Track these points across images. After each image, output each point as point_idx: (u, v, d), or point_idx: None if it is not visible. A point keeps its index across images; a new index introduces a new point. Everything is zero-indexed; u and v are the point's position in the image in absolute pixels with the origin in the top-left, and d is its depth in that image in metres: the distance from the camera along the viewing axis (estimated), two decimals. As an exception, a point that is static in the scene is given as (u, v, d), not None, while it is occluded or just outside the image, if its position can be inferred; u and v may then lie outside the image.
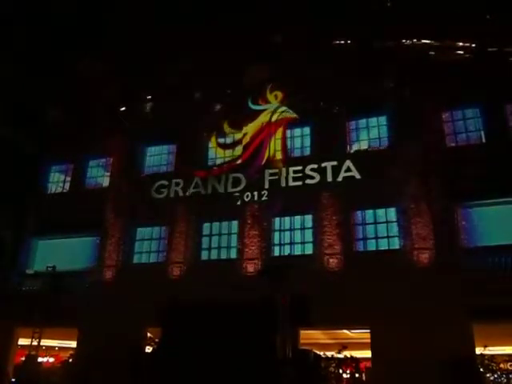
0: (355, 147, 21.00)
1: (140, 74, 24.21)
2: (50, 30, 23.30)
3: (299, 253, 19.92)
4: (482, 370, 16.63)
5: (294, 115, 22.06)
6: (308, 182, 20.57)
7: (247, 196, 21.20)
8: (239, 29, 22.59)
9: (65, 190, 25.51)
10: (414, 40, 21.01)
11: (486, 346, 16.84)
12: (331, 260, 19.08)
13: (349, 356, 18.46)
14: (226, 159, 22.82)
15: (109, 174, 24.70)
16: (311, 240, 19.93)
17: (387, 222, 19.24)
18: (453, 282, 16.36)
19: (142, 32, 23.17)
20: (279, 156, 21.82)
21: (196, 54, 23.10)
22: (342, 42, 22.10)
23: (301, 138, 22.05)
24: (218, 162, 22.93)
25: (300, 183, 20.65)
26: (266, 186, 21.16)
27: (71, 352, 21.98)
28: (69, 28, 23.31)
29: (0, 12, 21.77)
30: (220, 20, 22.09)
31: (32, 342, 19.78)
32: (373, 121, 21.15)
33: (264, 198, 20.90)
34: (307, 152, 21.62)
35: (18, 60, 24.00)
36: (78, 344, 21.25)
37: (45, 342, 21.06)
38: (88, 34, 23.60)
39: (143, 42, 23.40)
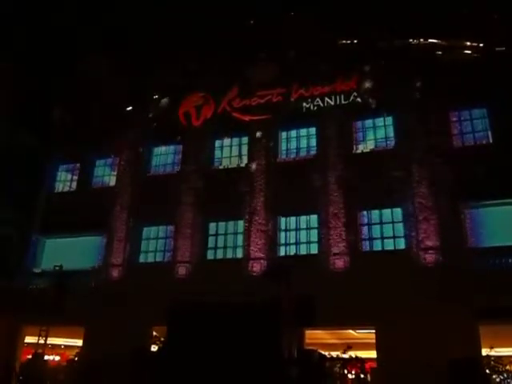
0: (361, 147, 20.97)
1: (146, 74, 24.34)
2: (55, 30, 23.45)
3: (305, 253, 19.93)
4: (488, 371, 16.54)
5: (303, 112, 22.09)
6: (314, 181, 20.57)
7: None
8: (243, 27, 22.70)
9: (72, 189, 25.71)
10: (422, 40, 20.94)
11: (492, 347, 16.76)
12: (337, 260, 19.06)
13: (354, 356, 18.42)
14: (232, 159, 22.89)
15: (115, 173, 24.82)
16: (317, 240, 19.93)
17: (393, 222, 19.20)
18: (459, 282, 16.26)
19: (149, 31, 23.28)
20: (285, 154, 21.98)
21: (201, 52, 23.21)
22: (348, 41, 22.08)
23: (307, 138, 22.06)
24: (224, 161, 22.99)
25: (306, 182, 20.65)
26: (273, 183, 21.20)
27: (77, 350, 22.10)
28: (75, 27, 23.46)
29: (5, 12, 21.93)
30: (219, 20, 22.19)
31: (39, 340, 19.86)
32: (379, 121, 21.10)
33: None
34: (313, 151, 21.63)
35: (24, 60, 24.16)
36: (84, 342, 21.38)
37: (51, 341, 21.14)
38: (94, 33, 23.74)
39: (149, 42, 23.52)
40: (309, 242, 20.11)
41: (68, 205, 24.24)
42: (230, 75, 23.62)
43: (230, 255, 21.09)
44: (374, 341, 17.53)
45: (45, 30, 23.24)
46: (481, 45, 20.11)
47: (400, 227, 18.97)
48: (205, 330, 11.88)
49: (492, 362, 16.92)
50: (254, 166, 21.87)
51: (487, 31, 19.56)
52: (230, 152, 23.11)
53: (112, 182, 24.81)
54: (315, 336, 18.32)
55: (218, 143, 23.48)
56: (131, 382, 14.47)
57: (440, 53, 20.56)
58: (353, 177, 19.95)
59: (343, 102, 21.44)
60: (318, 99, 21.80)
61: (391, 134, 20.67)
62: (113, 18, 23.34)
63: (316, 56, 21.83)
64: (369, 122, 21.25)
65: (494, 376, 16.85)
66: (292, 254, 19.92)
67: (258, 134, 22.11)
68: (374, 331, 17.58)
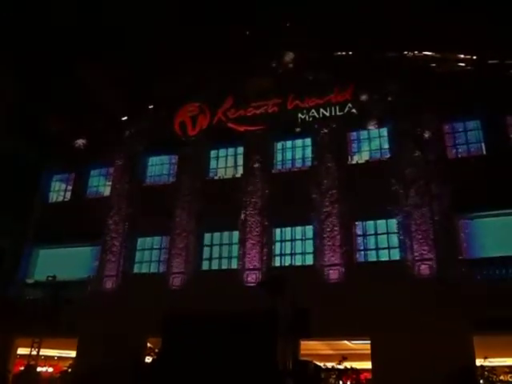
0: (356, 158, 21.08)
1: (141, 84, 24.40)
2: (52, 40, 23.48)
3: (300, 263, 19.94)
4: (482, 381, 16.56)
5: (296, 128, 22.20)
6: (309, 191, 20.62)
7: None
8: (241, 38, 22.84)
9: (66, 199, 25.62)
10: (415, 52, 21.16)
11: (486, 358, 16.77)
12: (332, 271, 19.08)
13: (349, 367, 18.37)
14: (228, 169, 22.93)
15: (110, 183, 24.77)
16: (312, 251, 19.94)
17: (388, 233, 19.26)
18: (453, 293, 16.33)
19: (144, 41, 23.37)
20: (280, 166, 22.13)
21: (197, 64, 23.33)
22: (343, 53, 22.27)
23: (302, 149, 22.15)
24: (220, 172, 23.03)
25: (301, 193, 20.67)
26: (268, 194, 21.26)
27: (70, 362, 21.88)
28: (71, 38, 23.50)
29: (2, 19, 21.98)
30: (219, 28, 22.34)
31: (31, 351, 19.69)
32: (374, 132, 21.23)
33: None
34: (308, 162, 21.70)
35: (20, 70, 24.16)
36: (77, 354, 21.15)
37: (44, 352, 20.98)
38: (90, 44, 23.80)
39: (145, 52, 23.60)
40: (304, 253, 20.11)
41: (62, 215, 24.16)
42: (226, 85, 23.75)
43: (225, 266, 21.04)
44: (369, 351, 17.48)
45: (42, 36, 23.28)
46: (474, 57, 20.35)
47: (395, 238, 19.03)
48: (200, 341, 11.84)
49: (486, 373, 16.91)
50: (250, 176, 21.92)
51: (480, 44, 19.79)
52: (226, 162, 23.17)
53: (107, 192, 24.71)
54: (310, 347, 18.23)
55: (213, 153, 23.51)
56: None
57: (434, 65, 20.79)
58: (348, 188, 20.03)
59: (338, 113, 21.57)
60: (313, 110, 21.92)
61: (386, 145, 20.80)
62: (109, 27, 23.38)
63: (311, 67, 22.02)
64: (364, 133, 21.37)
65: (488, 386, 16.86)
66: (287, 264, 19.96)
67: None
68: (369, 342, 17.54)
